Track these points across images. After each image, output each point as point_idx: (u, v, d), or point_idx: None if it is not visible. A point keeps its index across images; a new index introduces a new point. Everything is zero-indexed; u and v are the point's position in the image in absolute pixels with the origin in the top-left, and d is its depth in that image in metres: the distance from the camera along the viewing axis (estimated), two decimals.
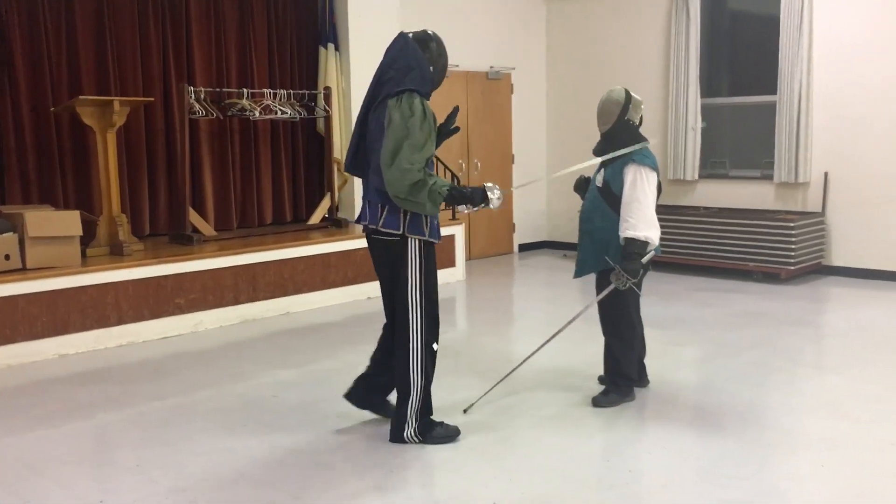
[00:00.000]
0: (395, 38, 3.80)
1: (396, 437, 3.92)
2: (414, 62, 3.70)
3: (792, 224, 7.65)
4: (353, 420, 4.29)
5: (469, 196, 3.82)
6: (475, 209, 3.88)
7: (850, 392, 4.65)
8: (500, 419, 4.26)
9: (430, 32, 3.84)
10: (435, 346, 3.90)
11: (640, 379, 4.70)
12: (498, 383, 4.55)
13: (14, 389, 4.96)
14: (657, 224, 4.25)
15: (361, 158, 3.90)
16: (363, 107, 3.85)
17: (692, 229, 8.31)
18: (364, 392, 4.19)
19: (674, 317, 6.46)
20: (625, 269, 4.18)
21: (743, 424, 4.13)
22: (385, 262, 3.89)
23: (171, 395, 4.76)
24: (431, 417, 3.96)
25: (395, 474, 3.63)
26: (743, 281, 7.91)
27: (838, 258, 8.08)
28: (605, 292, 4.37)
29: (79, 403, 4.65)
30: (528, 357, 4.62)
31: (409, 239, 3.75)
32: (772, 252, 7.77)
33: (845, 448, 3.83)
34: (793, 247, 7.63)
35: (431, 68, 3.77)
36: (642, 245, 4.18)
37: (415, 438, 3.89)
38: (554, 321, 6.16)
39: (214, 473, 3.63)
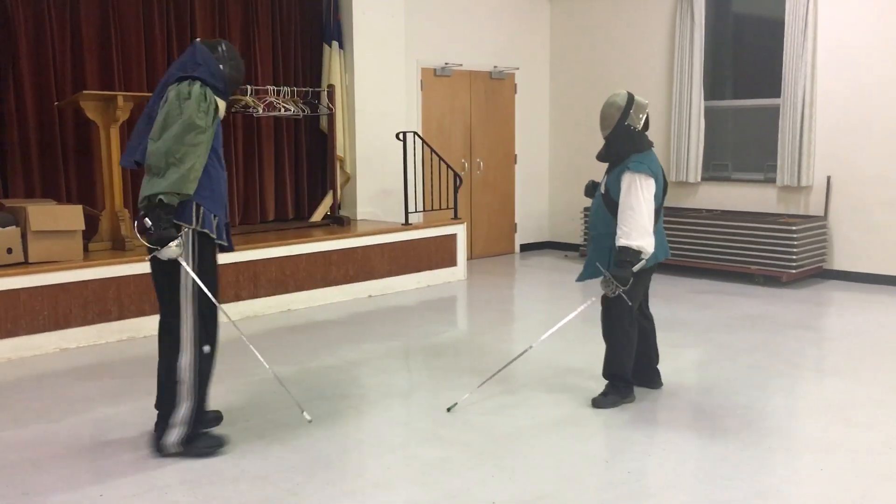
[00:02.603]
0: (187, 48, 3.81)
1: (158, 446, 3.71)
2: (201, 60, 3.70)
3: (794, 227, 7.64)
4: (352, 418, 4.29)
5: (164, 223, 3.54)
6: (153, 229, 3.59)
7: (851, 395, 4.65)
8: (500, 418, 4.26)
9: (222, 40, 3.91)
10: (206, 348, 3.72)
11: (653, 382, 4.71)
12: (483, 383, 4.56)
13: (15, 383, 4.97)
14: (651, 232, 4.20)
15: (142, 154, 3.66)
16: (148, 106, 3.73)
17: (694, 232, 8.31)
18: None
19: (675, 319, 6.46)
20: (615, 276, 4.16)
21: (743, 427, 4.13)
22: (157, 260, 3.64)
23: None
24: (198, 427, 3.76)
25: (393, 472, 3.63)
26: (745, 284, 7.90)
27: (840, 262, 8.08)
28: (589, 302, 4.38)
29: (79, 397, 4.66)
30: (514, 359, 4.66)
31: (181, 228, 3.61)
32: (774, 255, 7.76)
33: (845, 451, 3.82)
34: (795, 250, 7.63)
35: (222, 66, 3.76)
36: (635, 254, 4.16)
37: (178, 447, 3.69)
38: (554, 321, 6.16)
39: (214, 468, 3.63)
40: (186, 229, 3.63)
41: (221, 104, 3.76)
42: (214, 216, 3.71)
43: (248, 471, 3.62)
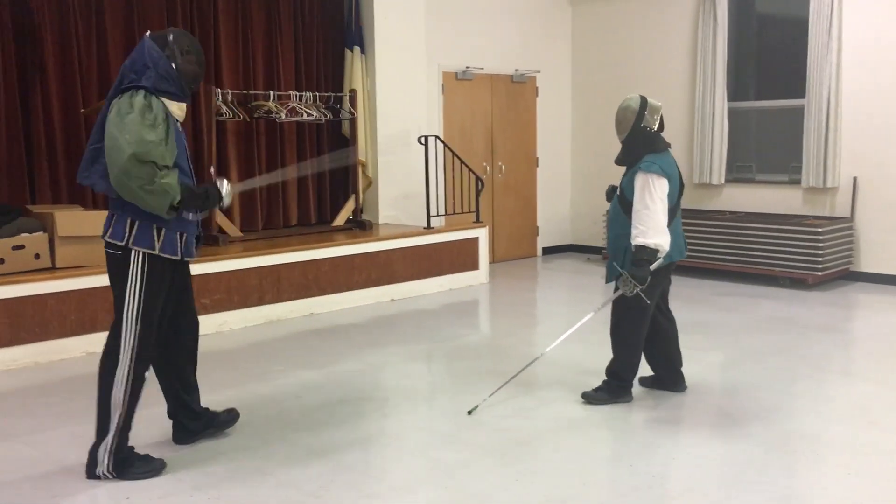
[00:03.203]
0: (140, 42, 3.58)
1: (91, 472, 3.57)
2: (149, 60, 3.47)
3: (820, 229, 7.56)
4: (375, 421, 4.30)
5: (203, 195, 3.55)
6: (201, 214, 3.65)
7: (879, 399, 4.59)
8: (522, 421, 4.25)
9: (171, 30, 3.63)
10: (147, 374, 3.59)
11: (677, 385, 4.70)
12: (501, 387, 4.56)
13: (43, 386, 5.03)
14: (667, 230, 4.22)
15: (99, 168, 3.50)
16: (102, 114, 3.53)
17: (718, 234, 8.25)
18: (183, 425, 3.96)
19: (699, 322, 6.41)
20: (633, 274, 4.19)
21: (768, 430, 4.09)
22: (111, 274, 3.56)
23: None
24: (133, 450, 3.65)
25: (416, 475, 3.64)
26: (769, 286, 7.83)
27: (867, 264, 7.98)
28: (610, 298, 4.42)
29: None
30: (532, 362, 4.67)
31: (133, 251, 3.46)
32: (799, 257, 7.68)
33: (873, 455, 3.78)
34: (820, 252, 7.55)
35: (174, 65, 3.51)
36: (652, 252, 4.18)
37: (109, 474, 3.55)
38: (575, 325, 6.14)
39: (238, 472, 3.66)
40: (138, 251, 3.46)
41: (177, 107, 3.56)
42: (181, 233, 3.58)
43: (271, 474, 3.64)
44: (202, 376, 5.24)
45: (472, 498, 3.39)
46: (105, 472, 3.55)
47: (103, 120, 3.48)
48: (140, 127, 3.34)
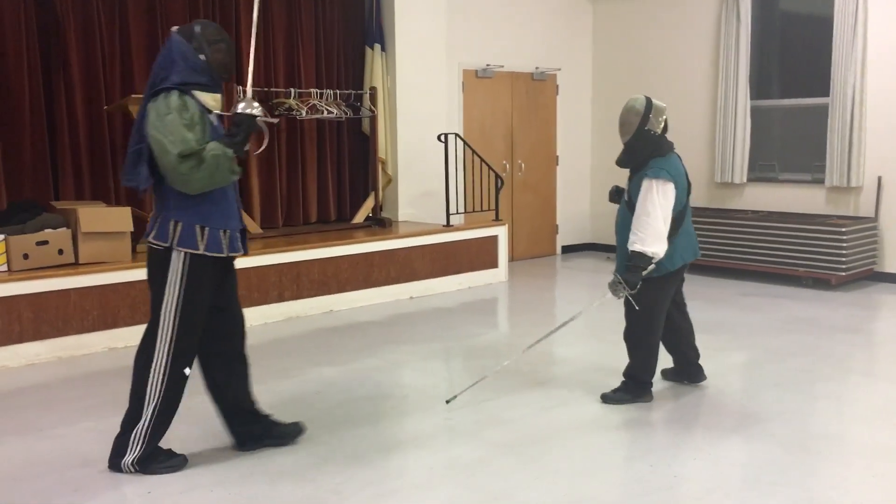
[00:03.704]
0: (167, 39, 3.59)
1: (114, 463, 3.60)
2: (177, 55, 3.47)
3: (843, 229, 7.48)
4: (394, 418, 4.30)
5: (237, 129, 3.48)
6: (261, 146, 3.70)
7: None
8: (542, 420, 4.24)
9: (197, 22, 3.61)
10: (187, 370, 3.60)
11: (696, 377, 4.73)
12: (479, 380, 4.63)
13: (65, 381, 5.08)
14: (664, 238, 4.20)
15: (142, 167, 3.50)
16: (139, 116, 3.53)
17: (740, 233, 8.18)
18: (241, 429, 3.86)
19: (721, 321, 6.37)
20: (625, 279, 4.19)
21: (791, 431, 4.06)
22: (150, 274, 3.57)
23: None
24: (160, 446, 3.64)
25: (435, 473, 3.64)
26: (792, 287, 7.76)
27: (892, 264, 7.88)
28: (597, 301, 4.46)
29: (127, 396, 4.73)
30: (527, 349, 4.75)
31: (175, 252, 3.47)
32: (822, 257, 7.61)
33: None
34: (844, 252, 7.47)
35: (203, 56, 3.50)
36: (647, 259, 4.18)
37: (132, 468, 3.56)
38: (595, 324, 6.13)
39: (257, 468, 3.67)
40: (181, 251, 3.47)
41: (211, 98, 3.55)
42: (223, 230, 3.57)
43: (291, 470, 3.65)
44: None
45: (492, 497, 3.38)
46: (129, 466, 3.57)
47: (140, 122, 3.49)
48: (179, 127, 3.36)
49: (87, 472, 3.66)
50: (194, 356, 3.67)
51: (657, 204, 4.17)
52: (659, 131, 4.34)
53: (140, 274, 5.78)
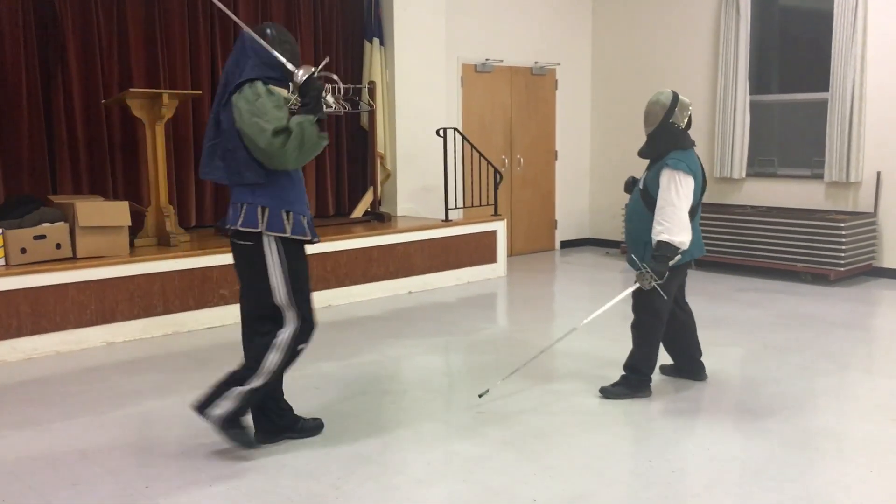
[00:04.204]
0: (236, 41, 3.76)
1: (204, 408, 3.64)
2: (251, 51, 3.62)
3: (842, 224, 7.48)
4: (393, 414, 4.30)
5: (311, 89, 3.60)
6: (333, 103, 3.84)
7: None
8: (542, 415, 4.24)
9: (268, 24, 3.79)
10: (301, 347, 3.74)
11: (697, 374, 4.75)
12: (512, 372, 4.62)
13: (63, 376, 5.07)
14: (689, 228, 4.26)
15: (218, 164, 3.68)
16: (213, 110, 3.70)
17: (739, 228, 8.18)
18: (266, 421, 3.89)
19: (720, 317, 6.37)
20: (653, 269, 4.21)
21: (790, 427, 4.06)
22: (246, 263, 3.72)
23: None
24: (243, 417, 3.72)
25: (435, 468, 3.63)
26: (791, 282, 7.76)
27: (891, 259, 7.89)
28: (626, 291, 4.45)
29: (125, 391, 4.74)
30: (546, 349, 4.68)
31: (266, 238, 3.62)
32: (821, 253, 7.61)
33: None
34: (843, 248, 7.47)
35: (277, 52, 3.64)
36: (674, 249, 4.20)
37: (217, 421, 3.62)
38: (596, 318, 6.11)
39: (257, 463, 3.67)
40: (271, 236, 3.61)
41: (284, 93, 3.68)
42: (303, 216, 3.73)
43: (291, 465, 3.65)
44: (220, 366, 5.26)
45: (492, 492, 3.38)
46: (214, 418, 3.61)
47: (217, 118, 3.64)
48: (270, 108, 3.51)
49: (86, 466, 3.65)
50: (311, 333, 3.79)
51: (681, 195, 4.22)
52: (683, 125, 4.39)
53: (138, 269, 5.83)
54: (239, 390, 3.61)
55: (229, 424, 3.64)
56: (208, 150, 3.70)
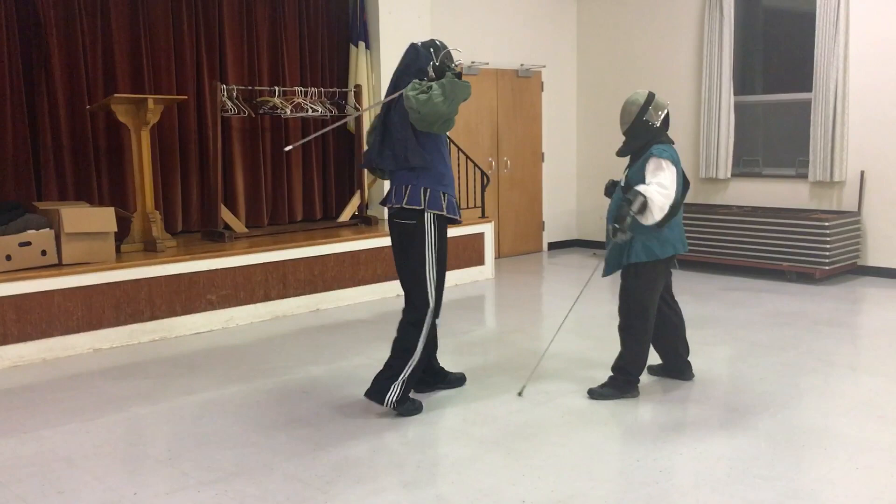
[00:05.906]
0: (408, 48, 4.32)
1: (377, 395, 4.20)
2: (425, 65, 4.18)
3: (827, 223, 7.54)
4: (383, 416, 4.30)
5: (441, 56, 4.20)
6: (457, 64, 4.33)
7: (886, 393, 4.57)
8: (528, 416, 4.25)
9: (434, 39, 4.38)
10: (437, 321, 4.30)
11: (684, 374, 4.78)
12: (537, 365, 4.67)
13: (50, 383, 5.04)
14: (665, 211, 4.24)
15: (388, 153, 4.22)
16: (383, 108, 4.26)
17: (724, 228, 8.23)
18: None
19: (706, 316, 6.40)
20: (617, 214, 4.26)
21: (776, 425, 4.08)
22: (404, 238, 4.24)
23: (202, 389, 4.81)
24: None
25: (423, 470, 3.64)
26: (776, 281, 7.81)
27: (874, 258, 7.95)
28: (593, 273, 4.63)
29: (112, 397, 4.72)
30: (545, 351, 4.64)
31: (427, 215, 4.16)
32: (806, 252, 7.66)
33: (881, 450, 3.76)
34: (827, 246, 7.52)
35: (436, 62, 4.22)
36: (641, 204, 4.19)
37: (393, 405, 4.19)
38: (583, 319, 6.15)
39: (245, 467, 3.66)
40: (431, 213, 4.16)
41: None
42: (454, 199, 4.29)
43: (279, 468, 3.64)
44: (207, 371, 5.26)
45: (480, 493, 3.38)
46: (393, 403, 4.17)
47: (384, 116, 4.22)
48: (419, 84, 4.03)
49: (72, 473, 3.64)
50: (439, 310, 4.30)
51: (672, 179, 4.25)
52: (657, 124, 4.42)
53: (124, 275, 5.81)
54: (402, 377, 4.17)
55: (400, 404, 4.21)
56: (377, 143, 4.25)
